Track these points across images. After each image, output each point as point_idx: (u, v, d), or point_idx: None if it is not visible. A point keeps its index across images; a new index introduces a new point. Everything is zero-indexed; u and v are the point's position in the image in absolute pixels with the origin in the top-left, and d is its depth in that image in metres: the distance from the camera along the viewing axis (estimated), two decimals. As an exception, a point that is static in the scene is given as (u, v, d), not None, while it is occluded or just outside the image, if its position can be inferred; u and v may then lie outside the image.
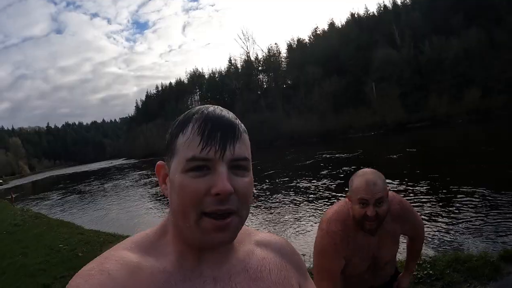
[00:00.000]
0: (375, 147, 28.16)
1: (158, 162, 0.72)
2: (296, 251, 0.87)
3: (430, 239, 6.42)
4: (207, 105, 0.70)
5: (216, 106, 0.69)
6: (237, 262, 0.72)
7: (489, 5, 38.92)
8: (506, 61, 34.65)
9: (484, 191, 8.86)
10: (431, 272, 4.10)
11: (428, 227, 7.07)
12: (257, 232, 0.85)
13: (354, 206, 1.67)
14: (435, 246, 6.16)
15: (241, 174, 0.65)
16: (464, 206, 8.27)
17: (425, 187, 10.63)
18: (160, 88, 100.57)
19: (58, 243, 8.11)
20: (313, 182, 14.56)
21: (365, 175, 1.68)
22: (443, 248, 5.99)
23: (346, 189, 1.82)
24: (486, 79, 35.44)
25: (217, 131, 0.63)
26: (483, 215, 7.41)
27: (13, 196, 25.52)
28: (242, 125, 0.70)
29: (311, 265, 1.88)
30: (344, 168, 16.78)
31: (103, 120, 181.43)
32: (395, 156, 18.67)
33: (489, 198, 8.41)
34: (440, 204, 8.84)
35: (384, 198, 1.65)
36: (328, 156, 23.61)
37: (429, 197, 9.58)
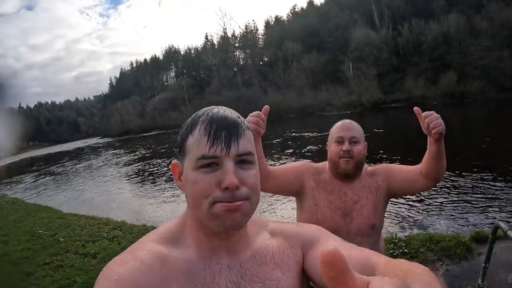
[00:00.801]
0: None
1: (173, 162, 0.80)
2: (300, 225, 0.92)
3: (404, 220, 6.68)
4: (212, 107, 0.77)
5: (220, 107, 0.77)
6: (247, 250, 0.79)
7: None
8: (483, 48, 35.57)
9: (455, 175, 9.16)
10: (406, 250, 4.30)
11: (401, 208, 7.32)
12: (272, 222, 0.92)
13: (331, 148, 1.75)
14: (409, 226, 6.40)
15: (247, 168, 0.72)
16: (437, 188, 8.55)
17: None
18: (134, 65, 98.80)
19: (38, 228, 7.91)
20: (281, 160, 14.71)
21: (341, 121, 1.80)
22: (417, 228, 6.24)
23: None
24: (463, 65, 36.19)
25: (222, 131, 0.70)
26: (454, 197, 7.70)
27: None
28: (246, 122, 0.77)
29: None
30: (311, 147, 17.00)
31: (77, 99, 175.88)
32: (368, 134, 18.95)
33: (460, 181, 8.71)
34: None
35: (360, 140, 1.72)
36: (301, 133, 23.78)
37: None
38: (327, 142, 1.81)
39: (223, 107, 0.78)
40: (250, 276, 0.76)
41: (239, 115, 0.77)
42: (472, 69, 35.05)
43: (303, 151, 16.64)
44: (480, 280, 3.04)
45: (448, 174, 9.26)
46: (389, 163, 2.47)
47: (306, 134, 23.60)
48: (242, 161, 0.72)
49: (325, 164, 1.84)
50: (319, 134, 22.44)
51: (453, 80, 35.47)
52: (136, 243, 0.75)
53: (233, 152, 0.70)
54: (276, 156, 16.12)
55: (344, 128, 1.73)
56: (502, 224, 2.59)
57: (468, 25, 38.03)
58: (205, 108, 0.78)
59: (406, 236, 4.75)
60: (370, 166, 1.86)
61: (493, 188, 7.85)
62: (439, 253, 4.05)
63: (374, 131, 20.26)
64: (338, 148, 1.70)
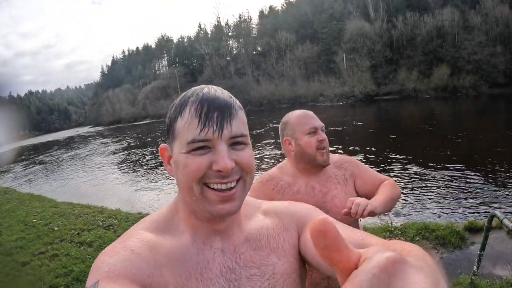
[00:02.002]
0: (341, 117, 28.58)
1: (161, 145, 0.76)
2: (292, 203, 0.90)
3: (399, 209, 6.76)
4: (201, 86, 0.73)
5: (210, 86, 0.72)
6: (241, 234, 0.78)
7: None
8: (477, 43, 35.85)
9: (448, 167, 9.30)
10: (401, 238, 4.35)
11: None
12: (262, 202, 0.90)
13: (303, 140, 1.61)
14: (405, 215, 6.50)
15: (241, 149, 0.69)
16: (431, 179, 8.69)
17: (391, 159, 11.02)
18: (126, 53, 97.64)
19: (31, 218, 7.88)
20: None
21: (298, 111, 1.69)
22: (413, 217, 6.34)
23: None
24: (456, 59, 36.38)
25: (214, 112, 0.66)
26: (448, 189, 7.85)
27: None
28: (238, 102, 0.73)
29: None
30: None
31: (68, 87, 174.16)
32: (360, 123, 19.05)
33: (453, 173, 8.84)
34: (407, 176, 9.26)
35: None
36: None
37: (395, 168, 9.99)
38: (287, 138, 1.67)
39: (214, 86, 0.74)
40: (245, 261, 0.75)
41: (230, 94, 0.74)
42: (465, 64, 35.29)
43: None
44: (475, 267, 3.09)
45: (442, 166, 9.39)
46: (363, 156, 2.39)
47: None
48: (236, 143, 0.69)
49: (281, 167, 1.73)
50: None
51: (446, 74, 35.65)
52: (127, 231, 0.73)
53: (226, 134, 0.66)
54: (258, 145, 16.16)
55: (313, 117, 1.64)
56: (498, 213, 2.63)
57: (462, 20, 38.11)
58: (194, 88, 0.73)
59: (401, 225, 4.80)
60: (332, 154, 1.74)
61: (484, 180, 7.99)
62: (434, 242, 4.12)
63: (359, 123, 20.38)
64: (313, 139, 1.59)
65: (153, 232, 0.71)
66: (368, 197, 1.59)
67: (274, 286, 0.74)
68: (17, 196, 11.24)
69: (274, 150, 15.12)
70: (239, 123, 0.69)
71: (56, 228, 6.85)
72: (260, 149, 15.56)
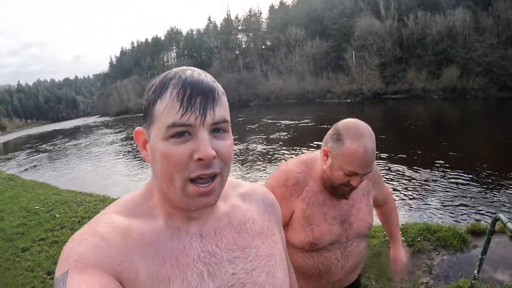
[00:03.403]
0: (348, 115, 28.48)
1: (136, 129, 0.71)
2: (276, 201, 0.92)
3: (402, 209, 6.72)
4: (184, 68, 0.69)
5: (193, 69, 0.68)
6: (222, 217, 0.76)
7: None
8: (488, 45, 35.18)
9: (452, 169, 9.22)
10: (403, 238, 4.29)
11: (399, 196, 7.39)
12: (240, 183, 0.88)
13: (336, 172, 1.37)
14: (406, 215, 6.45)
15: (222, 137, 0.66)
16: (435, 180, 8.63)
17: (396, 158, 10.96)
18: (135, 44, 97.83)
19: (34, 204, 7.96)
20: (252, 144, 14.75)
21: (362, 140, 1.32)
22: (414, 218, 6.27)
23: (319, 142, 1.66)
24: (466, 60, 35.68)
25: (197, 96, 0.63)
26: (451, 190, 7.76)
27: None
28: (220, 86, 0.69)
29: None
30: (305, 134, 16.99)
31: (76, 77, 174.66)
32: (367, 121, 18.90)
33: (457, 175, 8.77)
34: (410, 176, 9.19)
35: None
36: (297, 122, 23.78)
37: (400, 167, 9.90)
38: (329, 150, 1.40)
39: (197, 69, 0.69)
40: (227, 243, 0.73)
41: (213, 78, 0.69)
42: (475, 66, 34.67)
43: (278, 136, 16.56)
44: (476, 271, 3.04)
45: (446, 168, 9.32)
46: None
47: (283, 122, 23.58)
48: (217, 129, 0.65)
49: (307, 168, 1.52)
50: (322, 121, 22.49)
51: (455, 75, 35.11)
52: (98, 215, 0.70)
53: (208, 120, 0.63)
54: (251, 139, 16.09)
55: (364, 164, 1.33)
56: (502, 216, 2.56)
57: (473, 21, 37.48)
58: (176, 69, 0.68)
59: (403, 225, 4.73)
60: None
61: (490, 183, 7.93)
62: (435, 243, 4.05)
63: (366, 121, 20.22)
64: (345, 179, 1.36)
65: (124, 216, 0.68)
66: (375, 204, 1.68)
67: (257, 267, 0.74)
68: (21, 183, 11.33)
69: (277, 146, 15.11)
70: (222, 109, 0.66)
71: (57, 216, 6.91)
72: (259, 144, 15.56)
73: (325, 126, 17.40)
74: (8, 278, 4.52)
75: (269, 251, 0.78)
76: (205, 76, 0.67)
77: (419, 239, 4.15)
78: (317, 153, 1.52)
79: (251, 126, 24.09)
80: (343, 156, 1.33)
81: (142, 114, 0.69)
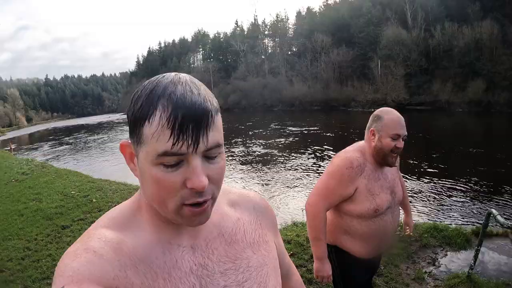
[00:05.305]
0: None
1: (121, 142, 0.68)
2: (270, 206, 0.91)
3: (415, 209, 7.08)
4: (173, 79, 0.62)
5: (184, 83, 0.61)
6: (213, 228, 0.75)
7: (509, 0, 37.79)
8: None
9: (468, 177, 9.59)
10: (411, 234, 4.64)
11: (411, 197, 7.82)
12: (230, 189, 0.87)
13: (384, 140, 1.84)
14: (415, 214, 6.74)
15: (214, 161, 0.63)
16: (448, 185, 8.97)
17: (415, 165, 11.30)
18: (162, 45, 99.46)
19: (70, 190, 8.28)
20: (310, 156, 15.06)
21: (394, 113, 1.89)
22: (423, 217, 6.70)
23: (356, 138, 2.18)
24: (493, 74, 34.91)
25: (189, 123, 0.58)
26: (463, 196, 8.18)
27: (12, 147, 25.93)
28: (215, 102, 0.64)
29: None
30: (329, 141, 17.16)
31: (103, 74, 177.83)
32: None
33: (471, 183, 9.17)
34: (423, 180, 9.61)
35: None
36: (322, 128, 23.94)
37: (418, 172, 10.22)
38: (374, 129, 1.91)
39: (188, 82, 0.62)
40: (219, 256, 0.73)
41: (206, 93, 0.63)
42: (502, 79, 33.93)
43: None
44: (472, 261, 3.38)
45: (464, 178, 9.58)
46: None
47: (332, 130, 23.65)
48: (210, 154, 0.62)
49: (362, 152, 1.96)
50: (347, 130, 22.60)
51: (481, 88, 34.46)
52: (88, 230, 0.69)
53: (201, 148, 0.59)
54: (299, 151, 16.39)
55: (402, 125, 1.85)
56: (494, 210, 2.95)
57: (501, 34, 36.69)
58: (165, 82, 0.62)
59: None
60: None
61: (507, 200, 8.09)
62: (441, 240, 4.38)
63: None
64: (392, 144, 1.83)
65: (115, 230, 0.67)
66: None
67: (248, 278, 0.74)
68: (54, 170, 11.64)
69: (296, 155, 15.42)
70: (216, 132, 0.62)
71: (94, 200, 7.26)
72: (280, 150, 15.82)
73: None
74: (51, 250, 4.99)
75: (260, 261, 0.78)
76: (198, 95, 0.60)
77: (426, 236, 4.48)
78: (361, 143, 2.03)
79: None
80: (386, 125, 1.85)
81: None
